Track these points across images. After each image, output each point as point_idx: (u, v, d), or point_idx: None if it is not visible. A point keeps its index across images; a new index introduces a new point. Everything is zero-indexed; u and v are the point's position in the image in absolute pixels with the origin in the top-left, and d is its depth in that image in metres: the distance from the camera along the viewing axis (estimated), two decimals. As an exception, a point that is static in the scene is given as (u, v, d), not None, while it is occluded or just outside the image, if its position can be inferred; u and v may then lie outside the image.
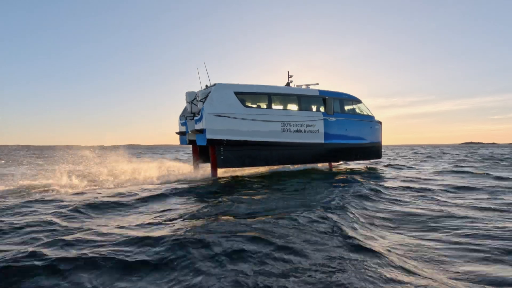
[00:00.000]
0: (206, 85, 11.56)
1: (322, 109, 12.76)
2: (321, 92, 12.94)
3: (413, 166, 16.91)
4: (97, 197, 6.69)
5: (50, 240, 3.78)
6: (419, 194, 7.86)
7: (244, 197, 6.96)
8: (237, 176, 11.15)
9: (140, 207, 6.04)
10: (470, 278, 3.08)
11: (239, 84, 11.18)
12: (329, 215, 5.11)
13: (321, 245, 3.77)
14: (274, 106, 11.76)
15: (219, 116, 10.45)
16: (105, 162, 15.57)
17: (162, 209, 5.90)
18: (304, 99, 12.41)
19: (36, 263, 3.04)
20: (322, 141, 12.61)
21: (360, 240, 3.89)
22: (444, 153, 39.75)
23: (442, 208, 6.18)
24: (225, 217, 5.07)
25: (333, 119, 12.90)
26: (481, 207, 6.24)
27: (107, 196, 6.87)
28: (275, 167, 13.34)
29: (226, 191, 7.87)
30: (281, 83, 13.35)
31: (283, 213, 5.34)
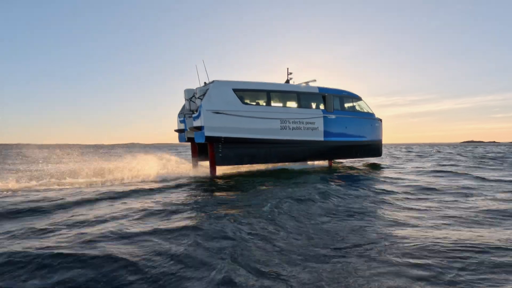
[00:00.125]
0: (205, 82, 11.47)
1: (321, 106, 12.66)
2: (321, 89, 12.84)
3: (392, 165, 16.26)
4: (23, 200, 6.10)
5: None
6: (372, 197, 7.06)
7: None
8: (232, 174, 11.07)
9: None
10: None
11: (238, 81, 11.08)
12: (260, 220, 4.89)
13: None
14: (273, 103, 11.67)
15: (217, 113, 10.36)
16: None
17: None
18: (304, 96, 12.32)
19: None
20: (322, 139, 12.52)
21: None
22: (439, 151, 39.49)
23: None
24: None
25: (333, 116, 12.81)
26: (418, 211, 5.74)
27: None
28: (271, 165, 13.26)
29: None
30: (281, 82, 13.26)
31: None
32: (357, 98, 14.03)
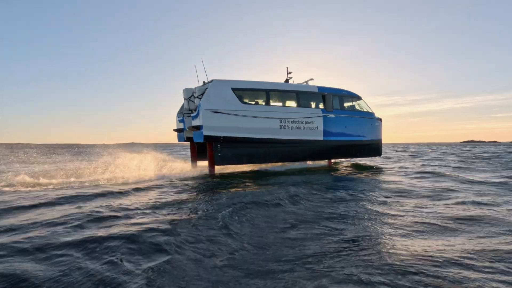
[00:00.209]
0: (204, 82, 11.44)
1: (321, 105, 12.61)
2: (320, 88, 12.79)
3: (379, 166, 15.64)
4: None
5: None
6: (345, 201, 6.57)
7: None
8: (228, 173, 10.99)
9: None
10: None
11: (237, 80, 11.04)
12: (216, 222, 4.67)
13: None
14: (272, 103, 11.63)
15: (216, 112, 10.32)
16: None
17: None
18: (303, 95, 12.27)
19: None
20: (321, 138, 12.48)
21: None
22: (434, 151, 39.10)
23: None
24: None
25: (332, 116, 12.76)
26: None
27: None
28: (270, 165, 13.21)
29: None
30: (281, 82, 13.22)
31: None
32: (356, 97, 13.98)
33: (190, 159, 13.40)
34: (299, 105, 12.03)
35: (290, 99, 12.18)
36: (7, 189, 7.56)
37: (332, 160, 14.86)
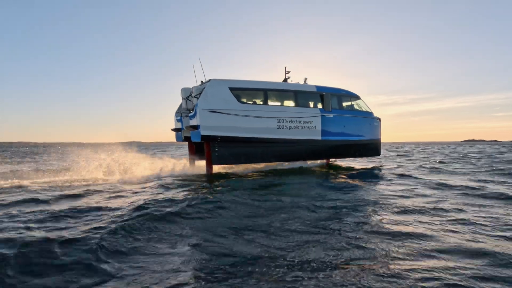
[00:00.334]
0: (201, 81, 11.41)
1: (319, 105, 12.57)
2: (319, 88, 12.75)
3: (354, 167, 14.76)
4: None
5: None
6: (296, 207, 6.04)
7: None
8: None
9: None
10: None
11: (234, 79, 11.01)
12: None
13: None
14: (270, 102, 11.60)
15: (214, 112, 10.30)
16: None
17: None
18: (301, 95, 12.23)
19: None
20: (319, 138, 12.44)
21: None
22: (427, 150, 38.69)
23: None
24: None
25: (331, 115, 12.72)
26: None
27: None
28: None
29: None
30: (280, 81, 13.17)
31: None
32: (355, 97, 13.93)
33: (185, 158, 13.38)
34: (297, 105, 12.00)
35: (288, 99, 12.14)
36: None
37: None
